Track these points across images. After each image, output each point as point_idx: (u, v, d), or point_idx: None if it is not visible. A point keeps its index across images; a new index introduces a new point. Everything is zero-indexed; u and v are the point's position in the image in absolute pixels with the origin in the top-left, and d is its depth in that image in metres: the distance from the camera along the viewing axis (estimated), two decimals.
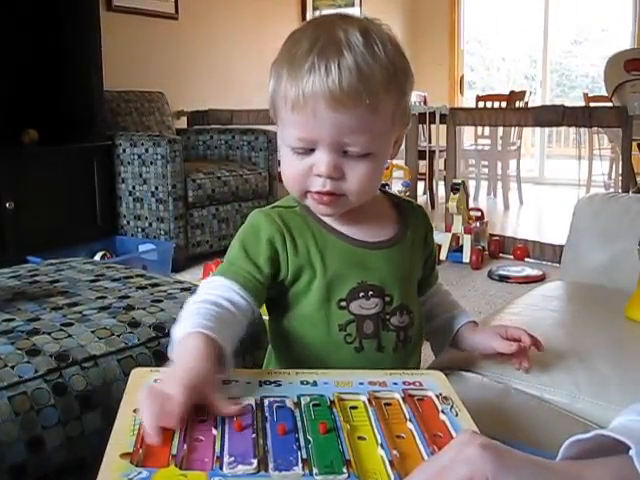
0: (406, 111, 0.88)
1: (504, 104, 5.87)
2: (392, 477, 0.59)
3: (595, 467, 0.59)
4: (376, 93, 0.79)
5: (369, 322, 0.88)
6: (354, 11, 6.71)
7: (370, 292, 0.88)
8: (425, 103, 6.19)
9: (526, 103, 5.99)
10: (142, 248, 3.57)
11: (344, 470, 0.59)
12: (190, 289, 1.38)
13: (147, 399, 0.65)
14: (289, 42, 0.84)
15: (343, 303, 0.88)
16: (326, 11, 6.53)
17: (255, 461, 0.59)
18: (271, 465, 0.59)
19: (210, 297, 0.83)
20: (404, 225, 0.96)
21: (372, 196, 0.91)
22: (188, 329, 0.77)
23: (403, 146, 4.68)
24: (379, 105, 0.80)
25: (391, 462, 0.61)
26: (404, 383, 0.77)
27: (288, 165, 0.86)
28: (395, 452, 0.62)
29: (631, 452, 0.56)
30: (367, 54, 0.79)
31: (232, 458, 0.60)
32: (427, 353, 2.56)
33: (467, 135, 6.30)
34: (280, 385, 0.74)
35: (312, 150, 0.83)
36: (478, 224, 3.89)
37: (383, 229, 0.94)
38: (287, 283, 0.90)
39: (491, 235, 4.05)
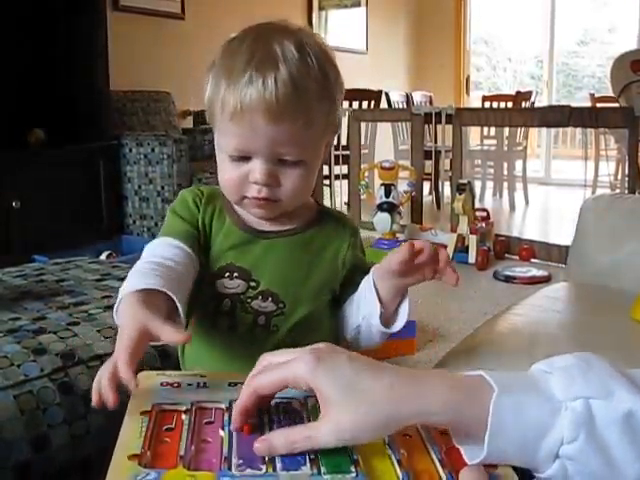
0: (336, 119, 0.92)
1: (510, 104, 5.86)
2: (400, 476, 0.59)
3: (434, 376, 0.63)
4: (310, 106, 0.84)
5: (227, 300, 0.92)
6: (360, 11, 6.72)
7: (235, 273, 0.92)
8: (431, 103, 6.19)
9: (532, 103, 5.99)
10: None
11: (352, 469, 0.59)
12: None
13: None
14: (227, 51, 0.88)
15: (212, 279, 0.92)
16: (332, 11, 6.53)
17: (264, 467, 0.59)
18: (279, 465, 0.59)
19: (153, 258, 0.87)
20: (308, 226, 0.97)
21: (304, 201, 0.95)
22: (130, 289, 0.79)
23: (409, 146, 4.68)
24: (313, 117, 0.85)
25: (399, 461, 0.61)
26: None
27: (225, 171, 0.90)
28: (403, 451, 0.62)
29: (494, 394, 0.58)
30: (302, 67, 0.83)
31: (241, 461, 0.60)
32: (432, 352, 2.56)
33: (473, 135, 6.29)
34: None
35: (248, 158, 0.87)
36: (484, 225, 3.88)
37: (284, 223, 0.95)
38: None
39: (497, 236, 4.04)
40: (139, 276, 0.82)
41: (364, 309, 0.93)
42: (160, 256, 0.87)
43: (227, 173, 0.90)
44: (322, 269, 0.97)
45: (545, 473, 0.59)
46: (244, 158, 0.87)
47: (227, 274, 0.92)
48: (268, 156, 0.85)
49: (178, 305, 0.79)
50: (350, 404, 0.60)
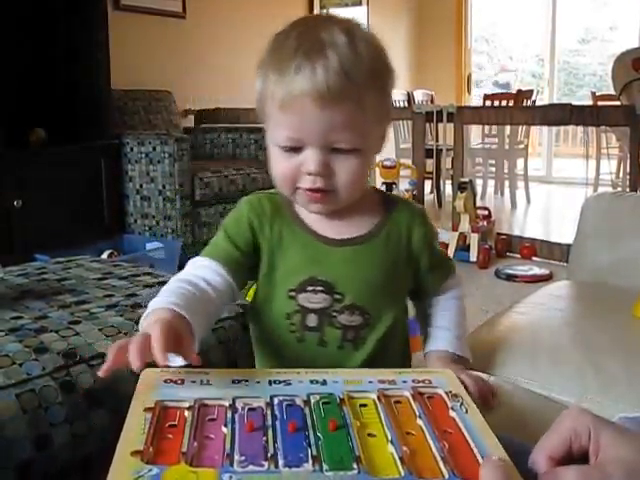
0: (389, 109, 0.92)
1: (511, 103, 5.86)
2: (402, 473, 0.59)
3: None
4: (361, 93, 0.82)
5: (313, 316, 0.90)
6: (361, 10, 6.71)
7: (318, 287, 0.90)
8: (432, 102, 6.20)
9: (533, 102, 5.98)
10: (149, 246, 3.57)
11: (354, 466, 0.59)
12: None
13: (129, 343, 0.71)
14: (274, 44, 0.86)
15: (292, 293, 0.91)
16: (333, 10, 6.53)
17: (266, 464, 0.59)
18: (281, 462, 0.59)
19: (188, 277, 0.87)
20: (381, 224, 0.95)
21: (358, 195, 0.91)
22: (159, 305, 0.80)
23: (410, 145, 4.67)
24: (365, 102, 0.83)
25: (401, 458, 0.61)
26: (413, 381, 0.77)
27: (277, 163, 0.88)
28: (405, 448, 0.62)
29: None
30: (351, 54, 0.81)
31: (243, 457, 0.60)
32: None
33: (474, 134, 6.29)
34: (290, 384, 0.74)
35: (300, 148, 0.84)
36: (485, 223, 3.88)
37: (356, 226, 0.93)
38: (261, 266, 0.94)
39: (498, 234, 4.04)
40: (169, 295, 0.82)
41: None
42: (201, 278, 0.87)
43: (280, 165, 0.87)
44: (401, 266, 0.96)
45: None
46: (296, 149, 0.84)
47: (310, 288, 0.90)
48: (321, 145, 0.83)
49: (195, 333, 0.79)
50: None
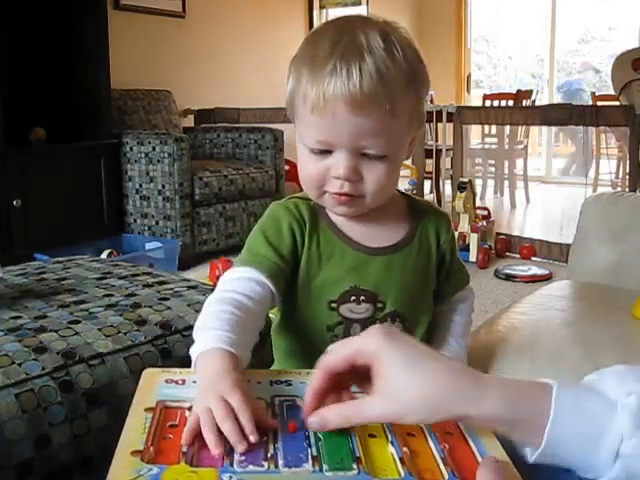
0: (422, 114, 0.89)
1: (511, 103, 5.85)
2: (402, 474, 0.59)
3: (496, 381, 0.63)
4: (395, 97, 0.80)
5: (357, 326, 0.89)
6: (361, 10, 6.69)
7: (362, 297, 0.89)
8: (432, 102, 6.18)
9: (533, 102, 5.98)
10: (149, 246, 3.57)
11: (354, 467, 0.59)
12: (197, 287, 1.38)
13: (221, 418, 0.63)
14: (310, 42, 0.84)
15: (334, 305, 0.89)
16: (332, 10, 6.52)
17: (266, 464, 0.59)
18: (281, 462, 0.59)
19: (229, 294, 0.82)
20: (413, 230, 0.95)
21: (388, 198, 0.91)
22: (209, 344, 0.74)
23: None
24: (397, 109, 0.81)
25: (401, 459, 0.61)
26: None
27: (306, 165, 0.86)
28: (405, 449, 0.62)
29: (554, 388, 0.60)
30: (387, 58, 0.80)
31: (243, 457, 0.60)
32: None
33: (474, 134, 6.29)
34: (291, 385, 0.74)
35: (330, 151, 0.83)
36: (485, 223, 3.88)
37: (390, 233, 0.93)
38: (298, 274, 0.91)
39: (498, 234, 4.04)
40: (222, 323, 0.76)
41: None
42: (243, 294, 0.82)
43: (308, 167, 0.86)
44: (432, 271, 0.96)
45: (607, 476, 0.58)
46: (326, 152, 0.83)
47: (353, 298, 0.89)
48: (351, 149, 0.82)
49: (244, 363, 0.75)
50: (408, 380, 0.61)
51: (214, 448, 0.60)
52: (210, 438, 0.61)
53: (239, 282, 0.85)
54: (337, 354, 0.66)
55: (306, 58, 0.82)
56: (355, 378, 0.68)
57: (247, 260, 0.88)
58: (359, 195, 0.85)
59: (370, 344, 0.64)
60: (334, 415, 0.63)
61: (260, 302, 0.84)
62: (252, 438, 0.61)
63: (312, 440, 0.63)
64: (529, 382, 0.63)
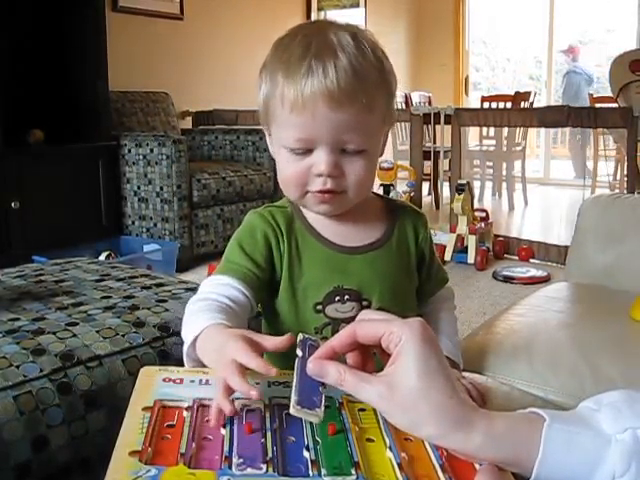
0: (393, 110, 0.92)
1: (509, 105, 5.86)
2: (400, 479, 0.59)
3: (483, 420, 0.61)
4: (370, 92, 0.83)
5: (345, 325, 0.89)
6: (359, 12, 6.71)
7: (346, 296, 0.90)
8: (430, 104, 6.19)
9: (531, 104, 5.99)
10: (147, 248, 3.57)
11: (352, 472, 0.59)
12: (195, 289, 1.38)
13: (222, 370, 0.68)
14: (280, 47, 0.86)
15: (319, 307, 0.90)
16: (331, 11, 6.53)
17: (264, 467, 0.59)
18: (280, 466, 0.59)
19: (211, 295, 0.85)
20: (390, 229, 0.96)
21: (365, 197, 0.93)
22: (204, 323, 0.77)
23: (408, 147, 4.67)
24: (373, 104, 0.84)
25: (399, 465, 0.61)
26: None
27: (286, 167, 0.88)
28: (403, 454, 0.62)
29: (545, 423, 0.58)
30: (359, 55, 0.82)
31: (241, 460, 0.60)
32: None
33: (472, 136, 6.29)
34: (289, 386, 0.74)
35: (310, 150, 0.85)
36: (483, 225, 3.89)
37: (367, 232, 0.94)
38: (278, 281, 0.92)
39: (496, 236, 4.05)
40: (211, 311, 0.80)
41: None
42: (224, 295, 0.85)
43: (289, 169, 0.87)
44: (413, 268, 0.98)
45: None
46: (306, 151, 0.85)
47: (337, 298, 0.90)
48: (331, 145, 0.83)
49: None
50: (413, 385, 0.61)
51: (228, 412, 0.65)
52: (225, 404, 0.65)
53: (218, 287, 0.87)
54: (368, 329, 0.66)
55: (279, 62, 0.84)
56: (379, 349, 0.68)
57: (223, 269, 0.90)
58: (341, 191, 0.87)
59: (404, 337, 0.62)
60: (334, 371, 0.64)
61: (241, 306, 0.86)
62: (273, 372, 0.67)
63: (310, 444, 0.63)
64: (519, 417, 0.62)
